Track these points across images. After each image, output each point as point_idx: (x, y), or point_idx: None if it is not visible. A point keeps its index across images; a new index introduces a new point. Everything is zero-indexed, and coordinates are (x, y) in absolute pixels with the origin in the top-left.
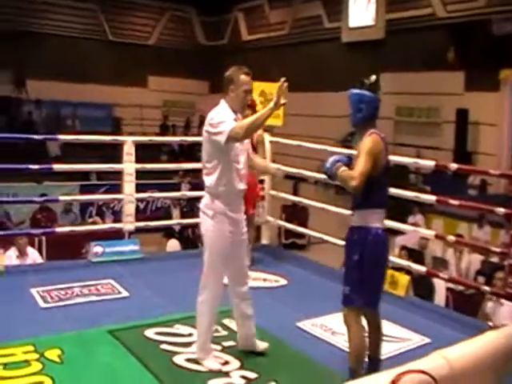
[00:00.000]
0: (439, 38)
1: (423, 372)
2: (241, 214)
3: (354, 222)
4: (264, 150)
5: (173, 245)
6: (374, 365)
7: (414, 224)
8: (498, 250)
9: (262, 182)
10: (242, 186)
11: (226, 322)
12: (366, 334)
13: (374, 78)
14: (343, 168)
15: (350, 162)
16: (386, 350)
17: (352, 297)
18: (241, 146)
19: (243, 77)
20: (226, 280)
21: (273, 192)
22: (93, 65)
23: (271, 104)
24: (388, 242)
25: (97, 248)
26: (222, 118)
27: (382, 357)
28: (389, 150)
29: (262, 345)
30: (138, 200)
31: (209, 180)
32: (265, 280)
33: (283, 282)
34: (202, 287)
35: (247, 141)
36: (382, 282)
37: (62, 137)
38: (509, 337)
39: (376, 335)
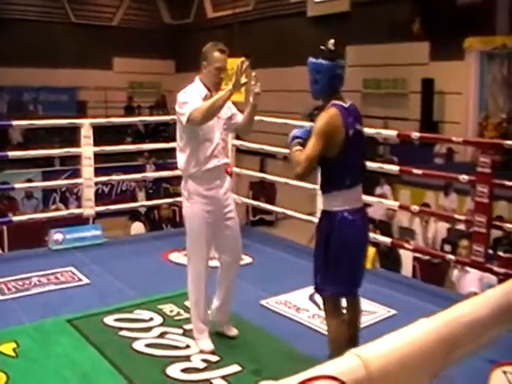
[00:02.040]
0: (404, 9)
1: (332, 378)
2: (221, 192)
3: (322, 206)
4: None
5: (137, 228)
6: (352, 344)
7: (382, 195)
8: (462, 217)
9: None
10: (219, 161)
11: (188, 304)
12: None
13: (331, 42)
14: (297, 148)
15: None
16: None
17: (321, 286)
18: (214, 122)
19: (217, 54)
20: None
21: (236, 169)
22: (56, 48)
23: (230, 86)
24: (360, 224)
25: (57, 235)
26: (186, 98)
27: None
28: (361, 118)
29: (233, 330)
30: (103, 184)
31: (180, 161)
32: None
33: (248, 259)
34: (188, 266)
35: (226, 115)
36: (355, 269)
37: (16, 123)
38: (450, 324)
39: (354, 319)
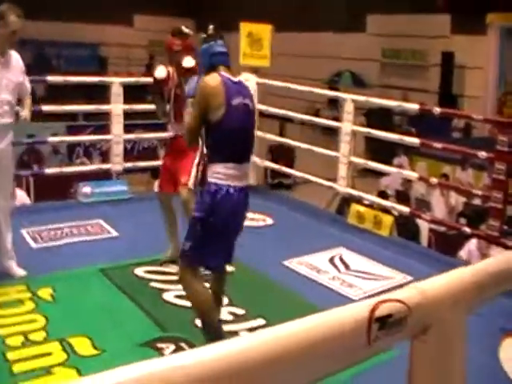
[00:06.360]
0: None
1: (399, 301)
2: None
3: (208, 177)
4: None
5: None
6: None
7: (399, 165)
8: (479, 192)
9: None
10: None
11: None
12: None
13: (210, 27)
14: (189, 109)
15: None
16: (370, 287)
17: (189, 254)
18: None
19: (14, 18)
20: None
21: (259, 133)
22: (77, 3)
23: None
24: (241, 202)
25: (86, 188)
26: None
27: (367, 294)
28: (250, 95)
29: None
30: (125, 140)
31: None
32: (252, 219)
33: (270, 221)
34: None
35: (17, 80)
36: (224, 246)
37: (50, 78)
38: (478, 273)
39: (219, 289)
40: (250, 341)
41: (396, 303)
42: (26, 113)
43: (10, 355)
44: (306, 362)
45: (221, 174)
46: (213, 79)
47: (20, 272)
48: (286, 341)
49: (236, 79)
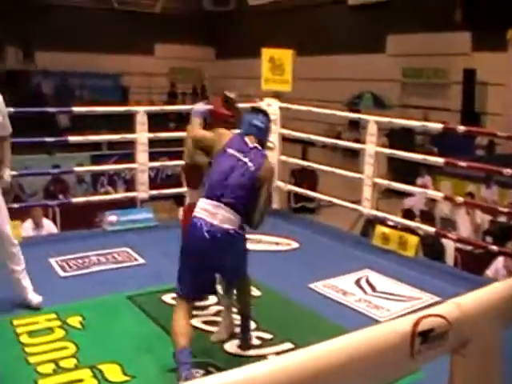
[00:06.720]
0: None
1: (439, 316)
2: None
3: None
4: None
5: None
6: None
7: (423, 185)
8: (505, 210)
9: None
10: None
11: None
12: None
13: (259, 102)
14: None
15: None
16: (397, 308)
17: (177, 282)
18: None
19: None
20: None
21: (283, 157)
22: (99, 34)
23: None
24: (213, 240)
25: (111, 217)
26: None
27: (394, 315)
28: (258, 162)
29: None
30: (149, 168)
31: None
32: (277, 244)
33: (295, 245)
34: None
35: None
36: (197, 278)
37: (75, 109)
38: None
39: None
40: (297, 358)
41: (437, 318)
42: (7, 173)
43: (42, 383)
44: (353, 375)
45: (198, 207)
46: (226, 135)
47: (37, 298)
48: (335, 356)
49: (251, 144)
